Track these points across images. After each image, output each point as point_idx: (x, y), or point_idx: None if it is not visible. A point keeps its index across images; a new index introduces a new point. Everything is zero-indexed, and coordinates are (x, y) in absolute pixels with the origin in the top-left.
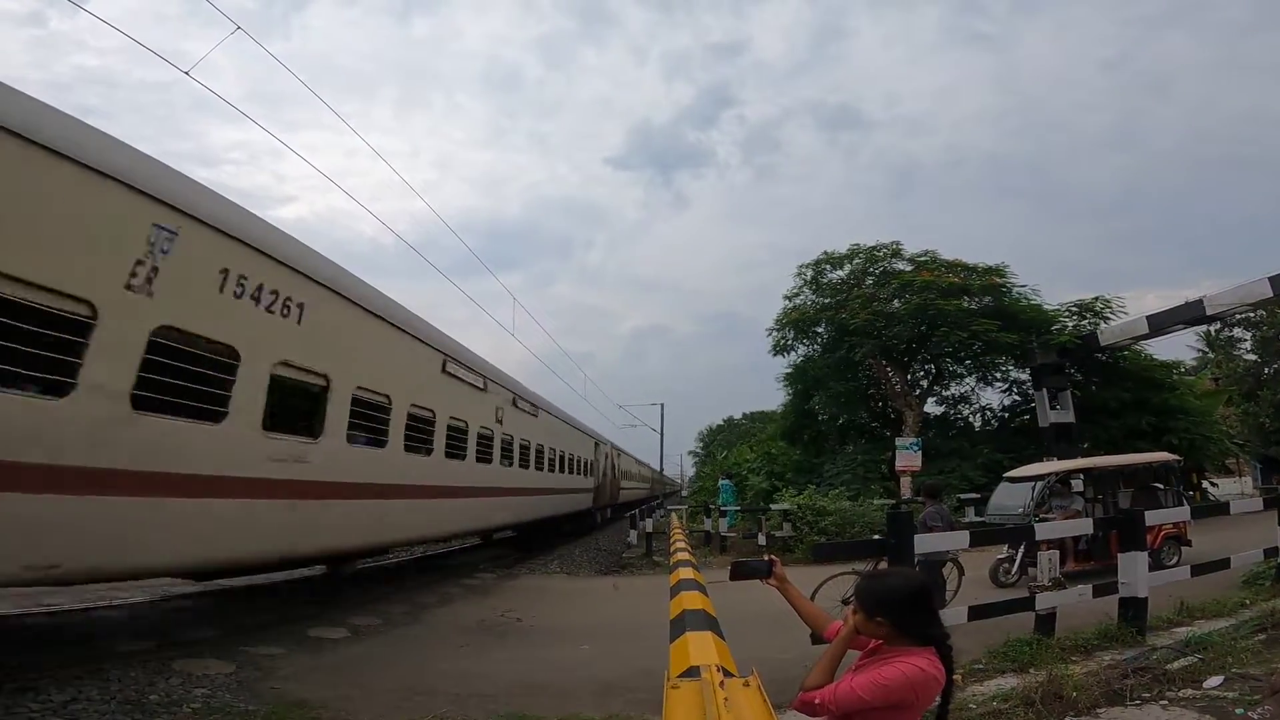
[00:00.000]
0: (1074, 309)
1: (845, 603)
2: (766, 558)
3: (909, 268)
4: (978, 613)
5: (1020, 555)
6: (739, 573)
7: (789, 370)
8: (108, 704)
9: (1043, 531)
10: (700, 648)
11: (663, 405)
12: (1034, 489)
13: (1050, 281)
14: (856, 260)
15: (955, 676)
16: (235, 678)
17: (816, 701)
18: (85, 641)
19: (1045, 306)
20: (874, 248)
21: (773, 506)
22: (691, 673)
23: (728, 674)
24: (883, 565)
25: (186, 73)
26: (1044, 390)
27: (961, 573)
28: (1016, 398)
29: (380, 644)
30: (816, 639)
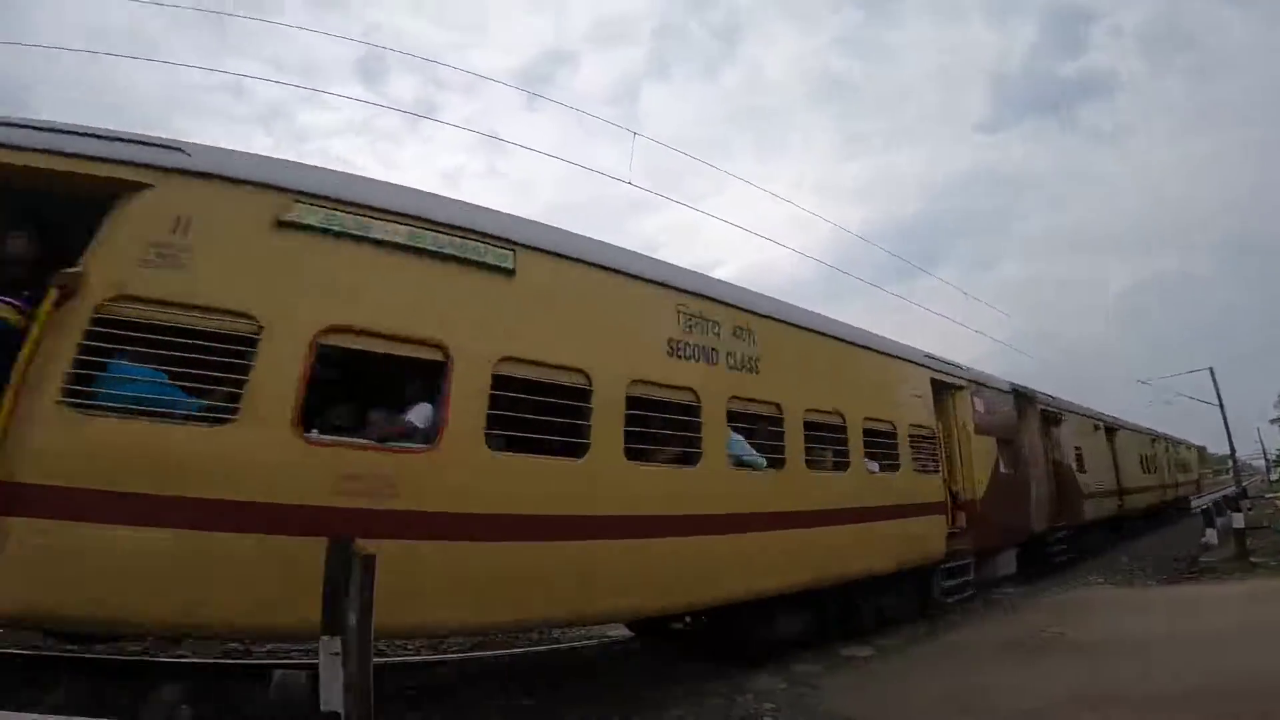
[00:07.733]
0: None
1: None
2: None
3: None
4: None
5: None
6: None
7: None
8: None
9: None
10: None
11: (1212, 369)
12: None
13: None
14: None
15: None
16: (787, 695)
17: None
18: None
19: None
20: None
21: None
22: None
23: None
24: None
25: (629, 183)
26: None
27: None
28: None
29: (906, 661)
30: None
